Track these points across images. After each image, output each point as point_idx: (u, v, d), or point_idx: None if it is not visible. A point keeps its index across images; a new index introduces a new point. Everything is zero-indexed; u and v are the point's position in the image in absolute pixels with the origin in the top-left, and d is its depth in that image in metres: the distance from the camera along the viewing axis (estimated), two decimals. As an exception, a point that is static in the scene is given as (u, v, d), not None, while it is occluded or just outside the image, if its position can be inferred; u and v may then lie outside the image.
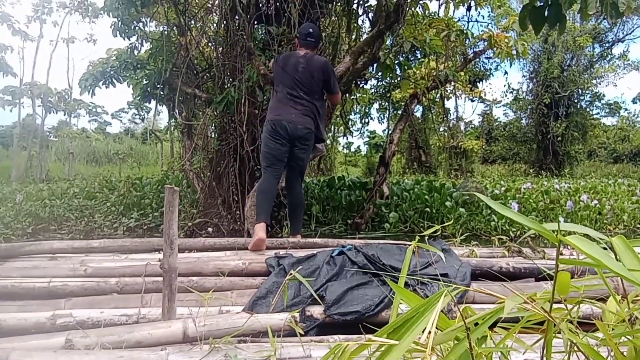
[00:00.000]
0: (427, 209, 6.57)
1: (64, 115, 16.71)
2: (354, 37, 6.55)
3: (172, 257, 2.13)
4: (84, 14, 11.72)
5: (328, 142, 10.76)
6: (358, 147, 25.80)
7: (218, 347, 1.80)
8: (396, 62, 5.83)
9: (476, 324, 0.77)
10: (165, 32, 6.46)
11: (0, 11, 12.84)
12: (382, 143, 20.06)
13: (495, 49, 5.98)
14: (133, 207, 6.33)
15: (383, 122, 15.34)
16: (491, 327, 0.81)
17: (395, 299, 0.94)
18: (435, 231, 1.21)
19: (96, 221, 5.68)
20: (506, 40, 5.91)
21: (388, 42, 5.96)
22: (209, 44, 7.08)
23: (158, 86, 6.45)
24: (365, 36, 6.37)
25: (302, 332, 2.08)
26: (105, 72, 7.20)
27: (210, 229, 5.36)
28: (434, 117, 14.21)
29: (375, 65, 5.76)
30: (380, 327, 0.77)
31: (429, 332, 0.68)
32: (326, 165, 16.35)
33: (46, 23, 14.44)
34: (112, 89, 7.84)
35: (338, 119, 8.97)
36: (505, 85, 25.99)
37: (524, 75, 23.07)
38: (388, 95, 9.53)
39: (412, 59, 6.91)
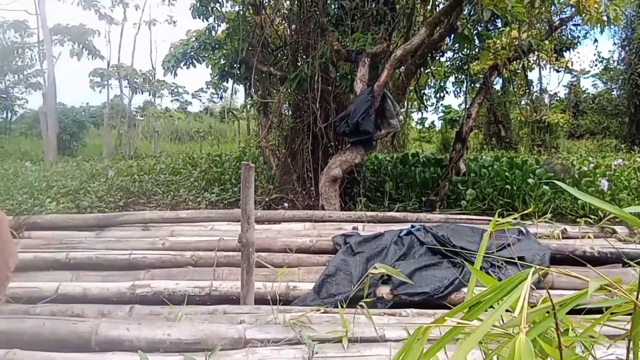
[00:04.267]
0: (507, 187, 6.30)
1: (149, 95, 17.69)
2: (429, 7, 6.31)
3: (249, 232, 2.22)
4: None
5: (401, 117, 10.55)
6: (432, 122, 25.03)
7: (292, 324, 1.83)
8: (475, 32, 5.57)
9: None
10: (241, 12, 6.59)
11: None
12: (457, 118, 19.35)
13: (583, 15, 5.52)
14: (214, 182, 6.63)
15: (459, 96, 14.79)
16: (572, 316, 0.77)
17: (471, 281, 0.92)
18: (515, 211, 1.16)
19: (181, 195, 6.02)
20: (596, 5, 5.43)
21: (466, 11, 5.70)
22: (283, 22, 7.14)
23: (235, 65, 6.63)
24: (441, 6, 6.11)
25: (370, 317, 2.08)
26: (185, 53, 7.49)
27: (286, 204, 5.51)
28: (515, 89, 13.46)
29: (452, 36, 5.53)
30: (446, 308, 0.76)
31: (521, 308, 0.65)
32: (399, 141, 16.08)
33: (129, 7, 15.21)
34: (192, 70, 8.16)
35: (412, 93, 8.76)
36: (594, 54, 23.99)
37: (615, 43, 21.15)
38: (465, 67, 9.13)
39: (492, 28, 6.56)
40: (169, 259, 2.86)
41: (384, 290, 2.43)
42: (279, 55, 6.67)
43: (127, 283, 2.45)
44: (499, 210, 4.92)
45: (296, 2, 5.97)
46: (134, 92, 15.78)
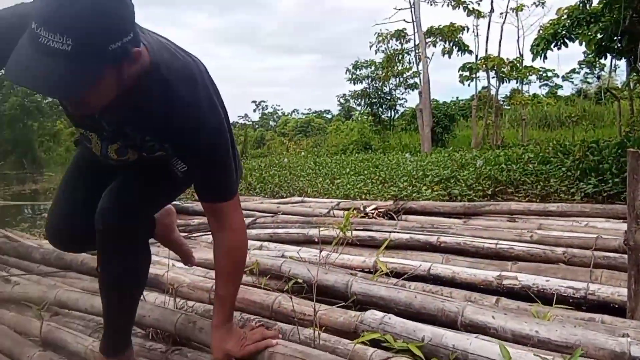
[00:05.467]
0: None
1: (516, 83, 17.27)
2: None
3: (638, 233, 1.84)
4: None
5: None
6: None
7: None
8: None
9: None
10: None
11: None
12: None
13: None
14: (590, 172, 5.91)
15: None
16: None
17: None
18: None
19: (552, 185, 5.62)
20: None
21: None
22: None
23: (615, 38, 5.70)
24: None
25: None
26: (556, 33, 6.96)
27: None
28: None
29: None
30: None
31: None
32: None
33: (496, -3, 15.14)
34: (562, 51, 7.50)
35: None
36: None
37: None
38: None
39: None
40: (537, 253, 2.69)
41: None
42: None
43: (494, 272, 2.43)
44: None
45: None
46: (500, 81, 15.73)
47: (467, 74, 15.89)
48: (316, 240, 3.09)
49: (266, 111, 50.03)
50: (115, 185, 1.43)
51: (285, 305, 1.83)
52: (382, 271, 1.88)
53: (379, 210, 4.04)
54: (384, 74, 18.07)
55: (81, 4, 0.92)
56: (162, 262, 2.73)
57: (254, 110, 50.61)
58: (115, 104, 1.11)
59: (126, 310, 1.54)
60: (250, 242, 3.32)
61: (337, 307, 1.75)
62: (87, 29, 0.93)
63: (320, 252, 2.08)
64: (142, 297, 1.99)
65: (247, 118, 47.11)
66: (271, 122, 44.80)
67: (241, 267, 1.44)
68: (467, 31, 15.45)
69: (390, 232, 3.09)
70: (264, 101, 50.73)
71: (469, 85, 16.62)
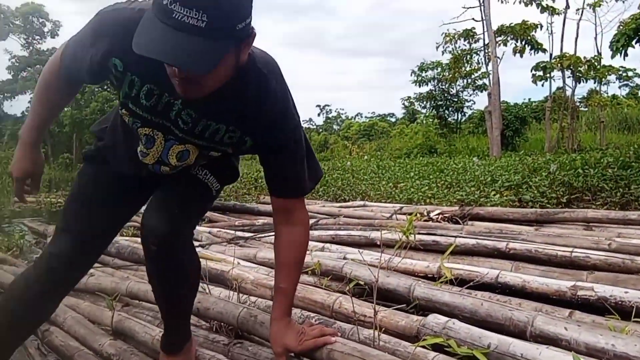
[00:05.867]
0: None
1: (594, 83, 16.27)
2: None
3: None
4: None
5: None
6: None
7: None
8: None
9: None
10: None
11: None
12: None
13: None
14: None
15: None
16: None
17: None
18: None
19: (632, 192, 5.24)
20: None
21: None
22: None
23: None
24: None
25: None
26: (638, 28, 6.47)
27: None
28: None
29: None
30: None
31: None
32: None
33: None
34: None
35: None
36: None
37: None
38: None
39: None
40: (616, 262, 2.50)
41: None
42: None
43: (568, 282, 2.28)
44: None
45: None
46: (577, 81, 14.88)
47: (541, 73, 15.15)
48: (378, 243, 3.06)
49: (330, 115, 50.36)
50: (159, 200, 1.40)
51: (345, 306, 1.82)
52: (446, 277, 1.82)
53: (444, 215, 3.93)
54: (450, 75, 17.63)
55: None
56: (227, 260, 2.82)
57: (318, 114, 51.10)
58: (214, 90, 1.10)
59: (184, 312, 1.59)
60: (312, 243, 3.36)
61: (398, 310, 1.73)
62: (221, 7, 0.95)
63: (382, 254, 2.06)
64: (207, 291, 2.06)
65: (311, 122, 47.67)
66: (335, 126, 44.97)
67: (302, 261, 1.46)
68: (541, 29, 14.78)
69: (455, 236, 2.99)
70: (328, 105, 51.15)
71: (542, 85, 15.86)
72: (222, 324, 1.83)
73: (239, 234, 3.91)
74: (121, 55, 1.13)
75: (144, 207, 1.45)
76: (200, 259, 2.68)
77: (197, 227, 4.31)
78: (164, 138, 1.29)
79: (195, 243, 3.51)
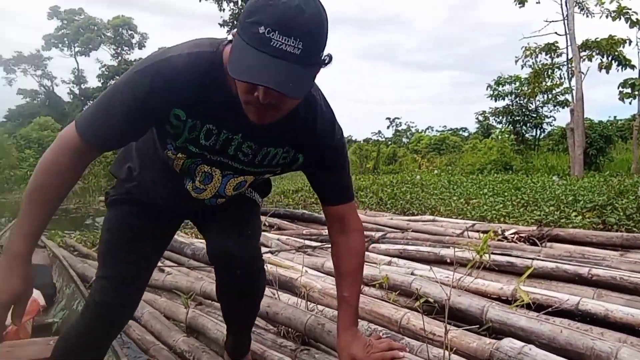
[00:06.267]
0: None
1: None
2: None
3: None
4: None
5: None
6: None
7: None
8: None
9: None
10: None
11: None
12: None
13: None
14: None
15: None
16: None
17: None
18: None
19: None
20: None
21: None
22: None
23: None
24: None
25: None
26: None
27: None
28: None
29: None
30: None
31: None
32: None
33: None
34: None
35: None
36: None
37: None
38: None
39: None
40: None
41: None
42: None
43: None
44: None
45: None
46: (673, 98, 13.74)
47: (629, 91, 14.15)
48: (449, 261, 2.98)
49: (400, 128, 49.84)
50: (226, 226, 1.45)
51: (414, 323, 1.79)
52: (522, 300, 1.73)
53: (520, 235, 3.75)
54: (530, 90, 16.86)
55: (312, 12, 0.98)
56: (296, 267, 2.86)
57: (388, 127, 50.66)
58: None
59: (251, 322, 1.68)
60: (378, 257, 3.33)
61: (470, 331, 1.67)
62: (314, 36, 1.00)
63: (454, 272, 2.00)
64: (276, 296, 2.10)
65: (380, 134, 47.41)
66: (404, 139, 44.43)
67: (362, 268, 1.47)
68: (629, 44, 13.81)
69: (532, 259, 2.84)
70: (398, 118, 50.53)
71: (630, 103, 14.78)
72: (290, 329, 1.85)
73: (307, 242, 3.95)
74: (182, 105, 1.14)
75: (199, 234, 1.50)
76: (270, 265, 2.74)
77: (267, 234, 4.42)
78: (221, 174, 1.31)
79: (265, 249, 3.61)
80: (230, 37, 1.09)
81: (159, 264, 3.27)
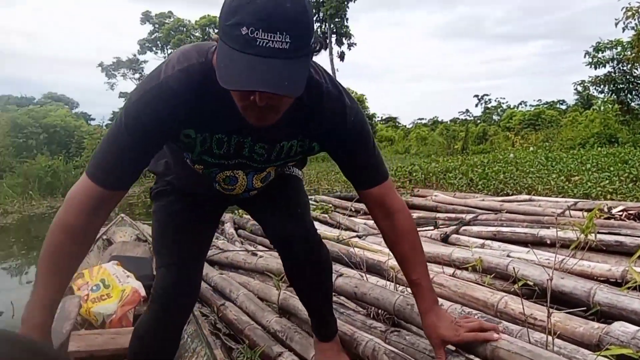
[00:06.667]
0: None
1: None
2: None
3: None
4: None
5: None
6: None
7: None
8: None
9: None
10: None
11: None
12: None
13: None
14: None
15: None
16: None
17: None
18: None
19: None
20: None
21: None
22: None
23: None
24: None
25: None
26: None
27: None
28: None
29: None
30: None
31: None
32: None
33: None
34: None
35: None
36: None
37: None
38: None
39: None
40: None
41: None
42: None
43: None
44: None
45: None
46: None
47: None
48: (549, 242, 2.79)
49: (489, 105, 47.46)
50: (278, 210, 1.48)
51: (512, 306, 1.70)
52: (635, 282, 1.57)
53: (629, 212, 3.42)
54: (633, 55, 15.24)
55: (293, 3, 0.92)
56: (383, 251, 2.83)
57: (476, 105, 48.56)
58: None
59: (331, 298, 1.68)
60: (470, 239, 3.20)
61: (575, 314, 1.55)
62: (300, 25, 0.93)
63: (556, 254, 1.86)
64: (365, 278, 2.09)
65: (468, 113, 45.54)
66: (494, 117, 42.24)
67: (420, 246, 1.38)
68: None
69: (644, 237, 2.58)
70: (487, 94, 48.17)
71: None
72: (379, 311, 1.84)
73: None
74: (190, 123, 1.15)
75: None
76: (358, 249, 2.73)
77: (354, 219, 4.42)
78: (244, 173, 1.33)
79: (352, 233, 3.62)
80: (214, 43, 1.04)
81: (252, 248, 3.41)
